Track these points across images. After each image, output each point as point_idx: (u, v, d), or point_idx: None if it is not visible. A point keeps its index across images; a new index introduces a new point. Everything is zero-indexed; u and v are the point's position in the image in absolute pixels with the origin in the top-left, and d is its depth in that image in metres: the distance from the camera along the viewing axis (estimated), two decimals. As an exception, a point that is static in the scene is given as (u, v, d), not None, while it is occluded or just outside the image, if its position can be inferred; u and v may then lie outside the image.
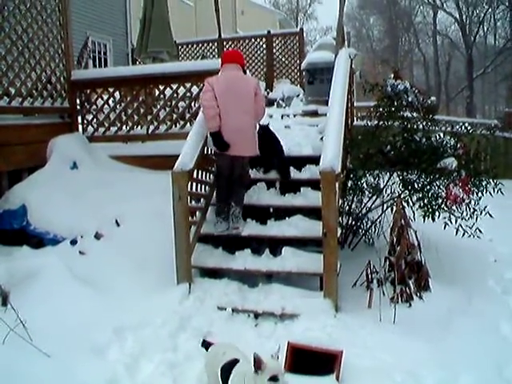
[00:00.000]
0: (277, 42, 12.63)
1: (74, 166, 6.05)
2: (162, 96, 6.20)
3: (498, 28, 36.20)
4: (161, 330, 3.66)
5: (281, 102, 11.59)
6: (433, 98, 5.74)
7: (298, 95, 11.75)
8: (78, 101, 6.56)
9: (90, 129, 6.56)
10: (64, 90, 6.44)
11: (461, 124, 13.55)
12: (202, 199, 4.62)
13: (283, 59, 12.90)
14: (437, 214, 4.67)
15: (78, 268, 4.52)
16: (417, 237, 4.49)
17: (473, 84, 33.99)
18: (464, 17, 35.59)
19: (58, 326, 3.48)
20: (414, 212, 4.93)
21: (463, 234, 4.56)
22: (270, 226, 4.56)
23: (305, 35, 13.78)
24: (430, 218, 4.67)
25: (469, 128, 6.02)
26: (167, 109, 6.17)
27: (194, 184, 4.42)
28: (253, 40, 12.75)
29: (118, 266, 4.54)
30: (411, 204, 4.93)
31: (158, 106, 6.20)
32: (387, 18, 41.66)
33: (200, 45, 12.67)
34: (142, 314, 3.84)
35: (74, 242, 5.00)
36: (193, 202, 4.38)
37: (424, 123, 5.33)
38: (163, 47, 7.91)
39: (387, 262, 4.45)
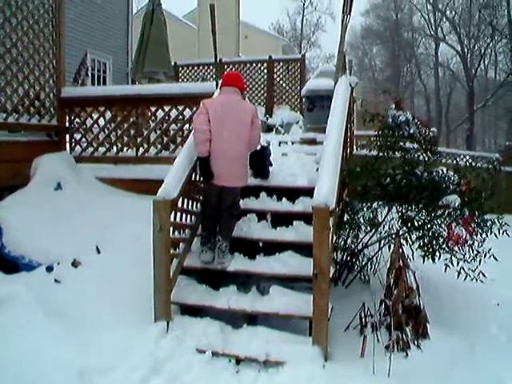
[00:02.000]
0: (278, 67, 12.54)
1: (58, 187, 5.77)
2: (153, 118, 5.96)
3: (498, 62, 36.52)
4: (132, 374, 3.33)
5: (280, 128, 11.41)
6: (434, 130, 5.55)
7: (297, 122, 11.61)
8: (67, 119, 6.31)
9: (78, 148, 6.31)
10: (53, 108, 6.21)
11: (462, 157, 13.42)
12: (187, 229, 4.31)
13: (284, 85, 12.81)
14: (437, 254, 4.38)
15: (51, 298, 4.21)
16: (415, 278, 4.18)
17: (473, 116, 34.08)
18: (466, 50, 35.92)
19: (15, 365, 3.14)
20: (412, 250, 4.64)
21: (465, 278, 4.25)
22: (258, 262, 4.25)
23: (308, 62, 13.88)
24: (430, 259, 4.37)
25: (471, 162, 5.78)
26: (158, 131, 5.92)
27: (179, 213, 4.12)
28: (254, 64, 12.66)
29: (93, 298, 4.21)
30: (410, 242, 4.65)
31: (149, 128, 5.95)
32: (390, 49, 42.08)
33: (201, 67, 12.56)
34: (113, 355, 3.51)
35: (50, 269, 4.69)
36: (176, 233, 4.07)
37: (425, 156, 5.08)
38: (160, 68, 7.71)
39: (383, 306, 4.13)
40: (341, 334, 4.07)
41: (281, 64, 12.74)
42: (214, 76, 9.21)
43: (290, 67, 12.75)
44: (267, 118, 12.05)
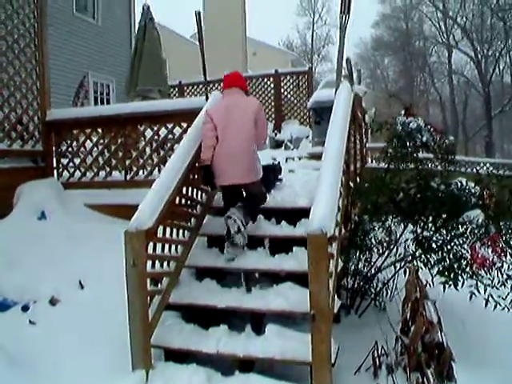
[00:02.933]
0: (285, 81, 12.16)
1: (42, 216, 5.36)
2: (142, 138, 5.52)
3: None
4: None
5: (289, 143, 10.96)
6: (451, 138, 5.09)
7: (307, 136, 11.16)
8: (53, 143, 5.92)
9: (66, 174, 5.89)
10: (38, 131, 5.83)
11: (481, 165, 12.71)
12: (171, 261, 3.80)
13: (292, 99, 12.40)
14: (460, 280, 3.78)
15: (21, 343, 3.75)
16: (436, 310, 3.58)
17: (491, 123, 33.19)
18: (479, 55, 35.22)
19: None
20: (432, 274, 4.06)
21: (495, 307, 3.64)
22: (254, 296, 3.72)
23: (318, 76, 13.72)
24: (452, 286, 3.78)
25: (492, 170, 5.19)
26: (147, 152, 5.48)
27: (160, 244, 3.62)
28: (260, 79, 12.31)
29: (67, 343, 3.73)
30: (429, 266, 4.07)
31: (138, 149, 5.51)
32: (402, 59, 41.50)
33: (205, 85, 12.17)
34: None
35: (25, 308, 4.24)
36: (158, 265, 3.57)
37: (441, 167, 4.53)
38: (154, 85, 7.32)
39: (399, 343, 3.55)
40: (350, 379, 3.49)
41: (288, 77, 12.36)
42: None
43: (297, 80, 12.38)
44: (275, 134, 11.63)
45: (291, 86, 12.27)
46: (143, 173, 5.50)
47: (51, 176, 5.91)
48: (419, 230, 4.22)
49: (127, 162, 5.49)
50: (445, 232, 4.06)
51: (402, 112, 4.69)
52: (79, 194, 5.77)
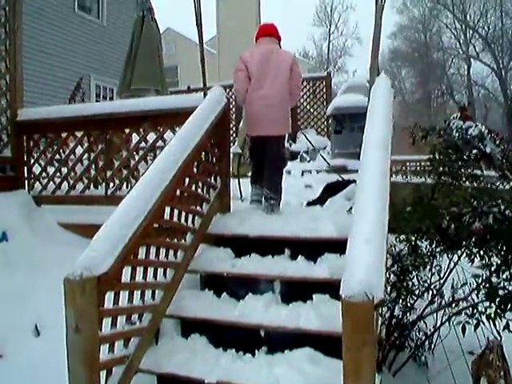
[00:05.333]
0: (301, 87, 11.11)
1: (3, 238, 4.37)
2: (126, 144, 4.50)
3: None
4: None
5: (305, 155, 10.00)
6: None
7: (324, 147, 10.20)
8: (25, 148, 4.93)
9: (39, 186, 4.89)
10: (6, 134, 4.86)
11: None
12: (146, 312, 2.74)
13: (308, 107, 11.40)
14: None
15: None
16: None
17: (514, 136, 31.90)
18: (501, 67, 34.08)
19: None
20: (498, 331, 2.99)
21: None
22: (256, 365, 2.63)
23: (335, 88, 12.51)
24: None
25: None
26: (133, 161, 4.46)
27: (125, 291, 2.56)
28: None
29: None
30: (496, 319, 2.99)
31: (121, 158, 4.49)
32: (419, 70, 40.39)
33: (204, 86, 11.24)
34: None
35: (-41, 365, 3.21)
36: (118, 326, 2.51)
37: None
38: (151, 84, 6.33)
39: None
40: None
41: (304, 83, 11.31)
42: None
43: (314, 87, 11.43)
44: (290, 145, 10.64)
45: (308, 93, 11.30)
46: (127, 187, 4.48)
47: (21, 188, 4.91)
48: (487, 272, 3.12)
49: (108, 174, 4.48)
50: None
51: (455, 115, 3.63)
52: (53, 210, 4.75)
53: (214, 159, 3.90)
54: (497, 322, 3.07)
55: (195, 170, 3.52)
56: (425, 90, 40.27)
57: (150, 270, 2.79)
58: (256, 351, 2.78)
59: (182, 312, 2.99)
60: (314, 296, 2.97)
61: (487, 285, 3.07)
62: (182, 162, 3.01)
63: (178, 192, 3.14)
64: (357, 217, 2.16)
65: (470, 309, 3.18)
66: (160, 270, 2.90)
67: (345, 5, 41.75)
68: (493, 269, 3.06)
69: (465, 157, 3.34)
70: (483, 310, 3.09)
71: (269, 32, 4.15)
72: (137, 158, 4.41)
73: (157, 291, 2.83)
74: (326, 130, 11.11)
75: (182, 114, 3.85)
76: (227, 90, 10.77)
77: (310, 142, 7.77)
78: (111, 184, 4.51)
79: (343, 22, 41.79)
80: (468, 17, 35.83)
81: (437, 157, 3.52)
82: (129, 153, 4.42)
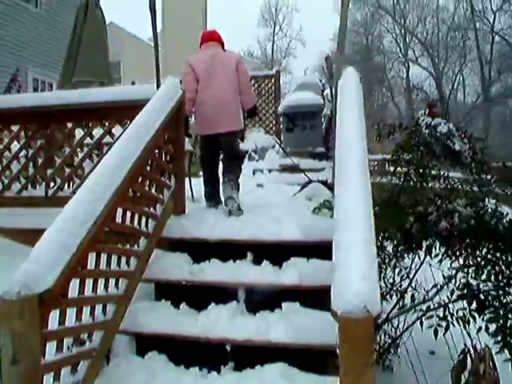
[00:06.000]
0: (251, 85, 10.87)
1: None
2: (70, 140, 4.08)
3: (467, 85, 36.32)
4: None
5: (253, 154, 9.73)
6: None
7: (273, 146, 9.97)
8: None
9: (-34, 185, 4.37)
10: None
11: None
12: (96, 331, 2.40)
13: (257, 105, 11.12)
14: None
15: None
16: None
17: (450, 139, 33.29)
18: (438, 72, 35.58)
19: None
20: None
21: None
22: (224, 384, 2.37)
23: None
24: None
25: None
26: (77, 159, 4.05)
27: (73, 308, 2.21)
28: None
29: None
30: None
31: (63, 155, 4.07)
32: (361, 72, 41.34)
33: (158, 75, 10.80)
34: None
35: None
36: (64, 349, 2.16)
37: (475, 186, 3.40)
38: (95, 77, 5.87)
39: None
40: None
41: (252, 82, 11.09)
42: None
43: (262, 85, 11.19)
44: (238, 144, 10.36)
45: (256, 91, 11.04)
46: (70, 186, 4.08)
47: None
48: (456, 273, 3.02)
49: (49, 173, 4.05)
50: (495, 278, 2.87)
51: (422, 111, 3.50)
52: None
53: (168, 157, 3.58)
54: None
55: (148, 168, 3.19)
56: (366, 92, 41.29)
57: (101, 281, 2.45)
58: (222, 368, 2.51)
59: (137, 327, 2.67)
60: (283, 304, 2.74)
61: (461, 286, 2.96)
62: (135, 158, 2.69)
63: (130, 192, 2.81)
64: (342, 221, 1.94)
65: (442, 311, 3.08)
66: (112, 281, 2.55)
67: (289, 6, 41.73)
68: (470, 270, 2.94)
69: (437, 153, 3.21)
70: (454, 313, 3.00)
71: (212, 37, 4.24)
72: (81, 155, 4.00)
73: (108, 305, 2.49)
74: (274, 128, 10.94)
75: (132, 107, 3.50)
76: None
77: (280, 146, 7.55)
78: (52, 184, 4.08)
79: (287, 24, 42.10)
80: (408, 22, 37.09)
81: (405, 155, 3.39)
82: (72, 149, 4.00)
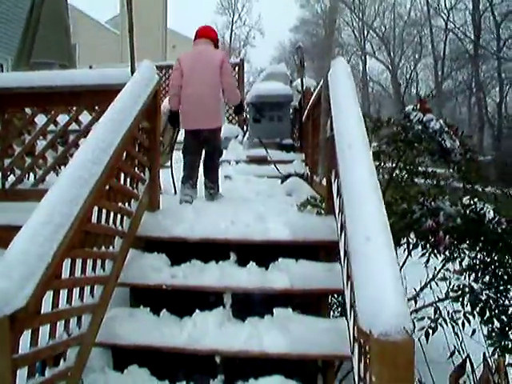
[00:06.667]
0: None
1: None
2: (30, 127, 3.70)
3: (420, 79, 37.25)
4: None
5: (216, 144, 9.43)
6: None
7: (236, 136, 9.75)
8: None
9: None
10: None
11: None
12: (69, 349, 2.11)
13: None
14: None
15: None
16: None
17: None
18: (394, 66, 36.26)
19: None
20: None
21: None
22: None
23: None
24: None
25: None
26: (38, 148, 3.68)
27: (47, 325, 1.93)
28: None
29: None
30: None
31: (23, 144, 3.69)
32: (319, 64, 41.48)
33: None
34: None
35: None
36: (37, 375, 1.88)
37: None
38: (55, 58, 5.43)
39: None
40: None
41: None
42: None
43: (226, 73, 10.83)
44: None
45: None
46: (32, 178, 3.71)
47: None
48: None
49: (6, 163, 3.66)
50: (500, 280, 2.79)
51: (412, 106, 3.38)
52: None
53: (143, 148, 3.30)
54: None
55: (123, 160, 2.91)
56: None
57: (76, 290, 2.16)
58: (211, 381, 2.30)
59: (114, 338, 2.40)
60: (274, 310, 2.55)
61: (455, 287, 2.87)
62: (113, 149, 2.40)
63: (107, 186, 2.53)
64: (358, 224, 1.75)
65: (433, 313, 2.99)
66: (87, 289, 2.27)
67: (249, -5, 41.25)
68: (468, 274, 2.85)
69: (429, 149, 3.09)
70: (446, 314, 2.91)
71: (204, 34, 4.30)
72: (44, 143, 3.64)
73: (83, 316, 2.21)
74: (237, 118, 10.69)
75: (104, 92, 3.22)
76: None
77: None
78: (10, 176, 3.71)
79: (246, 12, 41.60)
80: (366, 16, 37.52)
81: (390, 149, 3.26)
82: (33, 138, 3.63)
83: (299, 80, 8.33)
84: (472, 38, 30.18)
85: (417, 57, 36.13)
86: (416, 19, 35.66)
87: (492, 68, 30.03)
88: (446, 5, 32.63)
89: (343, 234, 2.67)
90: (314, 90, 8.31)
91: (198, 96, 3.99)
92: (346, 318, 2.22)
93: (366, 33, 38.25)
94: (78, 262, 2.17)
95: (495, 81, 30.09)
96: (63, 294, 2.03)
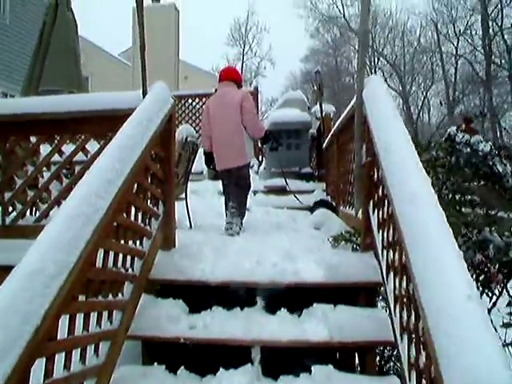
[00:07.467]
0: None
1: None
2: (34, 157, 3.40)
3: (431, 106, 37.09)
4: None
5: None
6: None
7: (251, 166, 9.41)
8: None
9: None
10: None
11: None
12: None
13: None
14: None
15: None
16: None
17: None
18: (405, 93, 36.22)
19: None
20: None
21: None
22: None
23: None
24: None
25: None
26: (42, 180, 3.36)
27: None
28: (197, 99, 10.43)
29: None
30: None
31: (25, 176, 3.37)
32: (331, 93, 41.63)
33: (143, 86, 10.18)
34: None
35: None
36: None
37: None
38: (64, 86, 5.19)
39: None
40: None
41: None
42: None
43: (241, 102, 10.64)
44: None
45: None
46: (33, 214, 3.39)
47: None
48: None
49: (7, 196, 3.34)
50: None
51: (455, 127, 3.02)
52: None
53: (156, 179, 2.96)
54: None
55: (134, 193, 2.56)
56: (336, 112, 41.54)
57: (76, 351, 1.79)
58: None
59: (122, 406, 2.01)
60: (312, 368, 2.14)
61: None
62: (122, 180, 2.07)
63: (114, 224, 2.18)
64: (442, 274, 1.37)
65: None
66: (90, 348, 1.90)
67: (259, 27, 41.72)
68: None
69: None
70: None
71: (226, 76, 4.47)
72: (48, 175, 3.33)
73: (85, 383, 1.83)
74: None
75: (112, 118, 2.91)
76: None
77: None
78: (11, 209, 3.38)
79: (257, 43, 42.06)
80: (377, 43, 37.74)
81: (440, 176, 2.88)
82: (37, 169, 3.32)
83: (316, 106, 8.04)
84: (483, 62, 30.03)
85: (428, 82, 36.11)
86: (426, 46, 35.77)
87: (505, 92, 29.72)
88: (455, 31, 32.68)
89: (391, 276, 2.28)
90: (334, 116, 8.02)
91: (224, 136, 4.25)
92: (402, 379, 1.83)
93: (376, 60, 38.39)
94: (79, 317, 1.80)
95: (507, 105, 29.80)
96: (59, 357, 1.66)
